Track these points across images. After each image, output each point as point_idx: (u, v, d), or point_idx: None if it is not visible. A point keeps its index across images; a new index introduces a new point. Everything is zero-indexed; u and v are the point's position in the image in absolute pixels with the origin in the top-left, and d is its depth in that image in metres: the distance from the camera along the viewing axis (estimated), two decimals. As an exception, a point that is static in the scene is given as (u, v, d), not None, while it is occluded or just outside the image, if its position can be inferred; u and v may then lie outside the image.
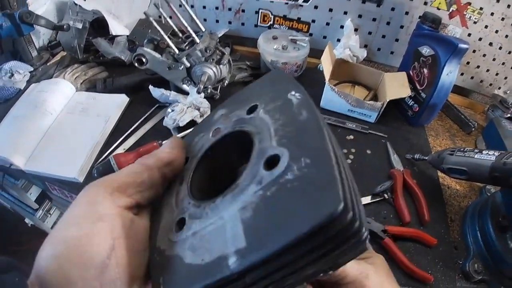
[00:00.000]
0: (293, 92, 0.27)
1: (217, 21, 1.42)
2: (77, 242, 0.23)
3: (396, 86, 1.10)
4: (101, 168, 0.85)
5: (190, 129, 0.31)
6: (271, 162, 0.23)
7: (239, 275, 0.19)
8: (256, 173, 0.23)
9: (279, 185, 0.20)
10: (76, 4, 1.28)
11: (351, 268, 0.31)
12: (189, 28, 1.02)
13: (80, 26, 1.27)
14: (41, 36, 1.36)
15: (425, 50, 1.06)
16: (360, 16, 1.30)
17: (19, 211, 1.31)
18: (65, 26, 1.22)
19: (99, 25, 1.30)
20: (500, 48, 1.25)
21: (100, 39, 1.24)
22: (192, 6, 1.37)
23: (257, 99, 0.30)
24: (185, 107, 0.99)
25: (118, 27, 1.28)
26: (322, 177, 0.19)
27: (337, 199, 0.17)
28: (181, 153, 0.32)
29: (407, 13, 1.26)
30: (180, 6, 1.05)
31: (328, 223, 0.17)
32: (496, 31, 1.22)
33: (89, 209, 0.25)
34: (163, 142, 0.90)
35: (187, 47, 1.03)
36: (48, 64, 1.30)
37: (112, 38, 1.27)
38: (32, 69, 1.24)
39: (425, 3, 1.22)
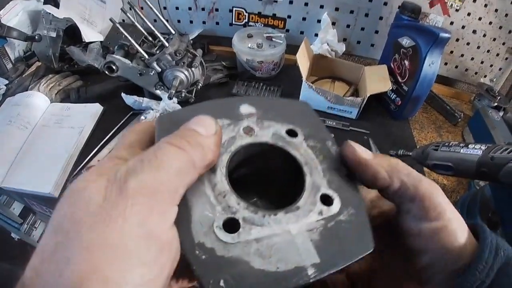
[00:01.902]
0: (330, 143, 0.31)
1: (191, 21, 1.39)
2: None
3: (376, 80, 1.08)
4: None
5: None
6: (326, 200, 0.28)
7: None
8: (314, 203, 0.27)
9: (336, 222, 0.27)
10: (49, 13, 1.26)
11: (422, 182, 0.26)
12: (156, 32, 1.00)
13: (54, 34, 1.25)
14: (16, 47, 1.34)
15: (405, 41, 1.04)
16: (337, 9, 1.27)
17: (5, 226, 1.30)
18: (36, 37, 1.21)
19: (73, 33, 1.27)
20: (484, 35, 1.23)
21: (73, 47, 1.21)
22: (164, 8, 1.34)
23: (293, 123, 0.32)
24: (158, 113, 0.96)
25: (92, 34, 1.26)
26: (363, 225, 0.27)
27: (371, 242, 0.26)
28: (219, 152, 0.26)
29: (385, 3, 1.24)
30: (146, 7, 1.03)
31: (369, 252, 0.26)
32: (480, 18, 1.19)
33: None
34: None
35: (157, 51, 1.01)
36: (23, 75, 1.29)
37: (86, 45, 1.25)
38: (7, 82, 1.23)
39: (404, -8, 1.19)
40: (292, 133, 0.32)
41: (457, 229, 0.25)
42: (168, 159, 0.21)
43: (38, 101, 1.10)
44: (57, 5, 1.35)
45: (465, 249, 0.25)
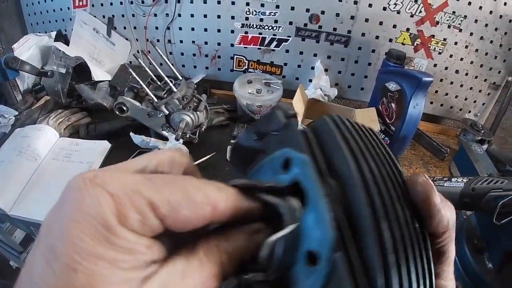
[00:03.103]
0: None
1: (194, 66, 1.50)
2: None
3: (366, 122, 1.15)
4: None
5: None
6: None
7: None
8: None
9: None
10: (59, 50, 1.33)
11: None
12: (166, 79, 1.08)
13: (63, 71, 1.32)
14: (25, 80, 1.39)
15: (392, 86, 1.11)
16: (329, 57, 1.38)
17: (4, 253, 1.31)
18: (49, 73, 1.27)
19: (81, 70, 1.35)
20: (467, 74, 1.32)
21: (83, 85, 1.29)
22: (170, 53, 1.45)
23: None
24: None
25: (100, 73, 1.34)
26: None
27: None
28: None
29: (373, 51, 1.34)
30: (154, 52, 1.12)
31: None
32: (461, 59, 1.30)
33: None
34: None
35: (165, 95, 1.09)
36: (32, 108, 1.32)
37: (94, 83, 1.32)
38: (17, 113, 1.26)
39: (390, 40, 1.31)
40: None
41: None
42: None
43: (47, 134, 1.14)
44: (67, 43, 1.43)
45: None
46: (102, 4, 1.43)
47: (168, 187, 0.19)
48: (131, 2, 1.38)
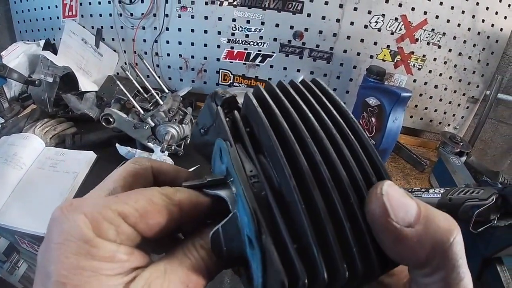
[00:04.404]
0: None
1: (181, 79, 1.53)
2: None
3: None
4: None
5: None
6: None
7: None
8: None
9: None
10: (47, 59, 1.34)
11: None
12: (153, 91, 1.11)
13: (50, 80, 1.33)
14: (12, 87, 1.40)
15: (372, 101, 1.14)
16: (312, 72, 1.43)
17: (-14, 263, 1.30)
18: (36, 82, 1.28)
19: (69, 80, 1.35)
20: (446, 89, 1.37)
21: (70, 95, 1.30)
22: (157, 65, 1.48)
23: None
24: (149, 165, 1.06)
25: (87, 83, 1.35)
26: None
27: None
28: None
29: (355, 67, 1.39)
30: (141, 64, 1.15)
31: None
32: (440, 74, 1.35)
33: None
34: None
35: (151, 107, 1.11)
36: (18, 116, 1.33)
37: (81, 94, 1.33)
38: (3, 121, 1.27)
39: (371, 57, 1.36)
40: None
41: None
42: None
43: (33, 143, 1.14)
44: (55, 52, 1.44)
45: None
46: (91, 15, 1.46)
47: (133, 198, 0.22)
48: (120, 15, 1.41)
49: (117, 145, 1.13)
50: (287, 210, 0.20)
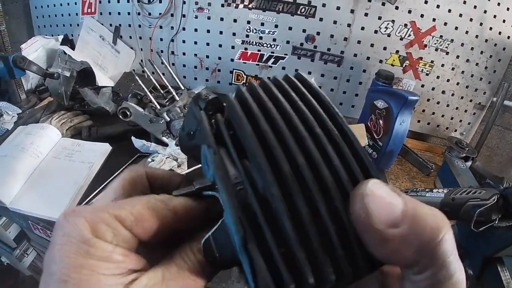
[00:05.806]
0: None
1: (195, 78, 1.57)
2: None
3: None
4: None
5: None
6: None
7: None
8: None
9: None
10: (65, 53, 1.38)
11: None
12: (170, 87, 1.14)
13: (68, 74, 1.37)
14: (30, 80, 1.43)
15: (380, 104, 1.16)
16: (323, 75, 1.46)
17: (-4, 249, 1.31)
18: (55, 75, 1.31)
19: (85, 75, 1.40)
20: (453, 94, 1.40)
21: (87, 89, 1.34)
22: (173, 64, 1.52)
23: None
24: (164, 158, 1.09)
25: (104, 79, 1.39)
26: None
27: None
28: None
29: (364, 71, 1.42)
30: (162, 63, 1.18)
31: None
32: (448, 80, 1.37)
33: None
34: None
35: (167, 103, 1.15)
36: (35, 108, 1.36)
37: (97, 88, 1.37)
38: (20, 111, 1.29)
39: (380, 61, 1.38)
40: None
41: None
42: None
43: (50, 133, 1.17)
44: (73, 47, 1.48)
45: None
46: (110, 13, 1.50)
47: (130, 203, 0.24)
48: (139, 13, 1.45)
49: (132, 138, 1.15)
50: (273, 215, 0.19)
